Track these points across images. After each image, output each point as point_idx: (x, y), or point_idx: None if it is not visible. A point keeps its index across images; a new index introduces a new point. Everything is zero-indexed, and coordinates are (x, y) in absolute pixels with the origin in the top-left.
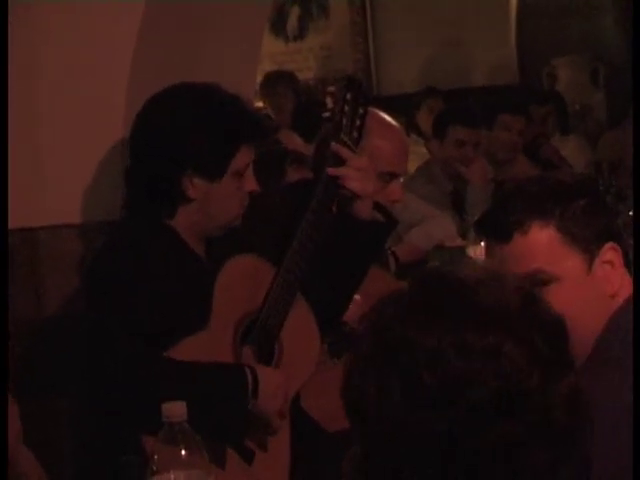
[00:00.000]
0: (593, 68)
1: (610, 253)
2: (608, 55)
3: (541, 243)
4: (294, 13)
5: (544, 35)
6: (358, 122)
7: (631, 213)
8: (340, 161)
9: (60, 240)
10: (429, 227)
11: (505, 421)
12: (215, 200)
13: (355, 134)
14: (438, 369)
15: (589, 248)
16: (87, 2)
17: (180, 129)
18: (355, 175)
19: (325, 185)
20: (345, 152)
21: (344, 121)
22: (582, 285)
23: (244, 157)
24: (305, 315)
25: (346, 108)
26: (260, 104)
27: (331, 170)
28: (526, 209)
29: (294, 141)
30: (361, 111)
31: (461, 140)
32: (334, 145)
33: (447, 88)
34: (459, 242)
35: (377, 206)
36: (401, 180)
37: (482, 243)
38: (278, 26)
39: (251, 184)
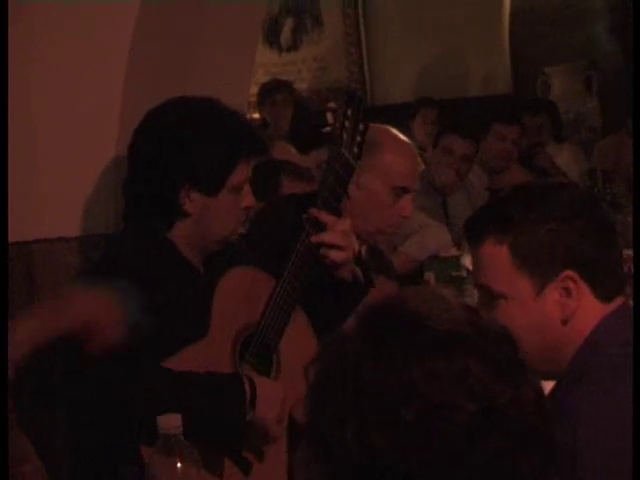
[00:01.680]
0: (587, 76)
1: (567, 281)
2: (602, 63)
3: (492, 260)
4: (288, 24)
5: (537, 44)
6: (359, 138)
7: (629, 219)
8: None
9: (55, 253)
10: (424, 237)
11: (488, 438)
12: (212, 215)
13: (356, 150)
14: (414, 402)
15: (542, 273)
16: (78, 18)
17: (178, 143)
18: (338, 240)
19: (306, 246)
20: (325, 217)
21: (344, 137)
22: (529, 307)
23: (242, 172)
24: (304, 327)
25: (347, 124)
26: (256, 115)
27: (314, 238)
28: (486, 223)
29: (289, 152)
30: (361, 127)
31: (450, 148)
32: (314, 211)
33: (441, 98)
34: (454, 252)
35: (356, 261)
36: (411, 196)
37: None
38: (272, 37)
39: (249, 200)
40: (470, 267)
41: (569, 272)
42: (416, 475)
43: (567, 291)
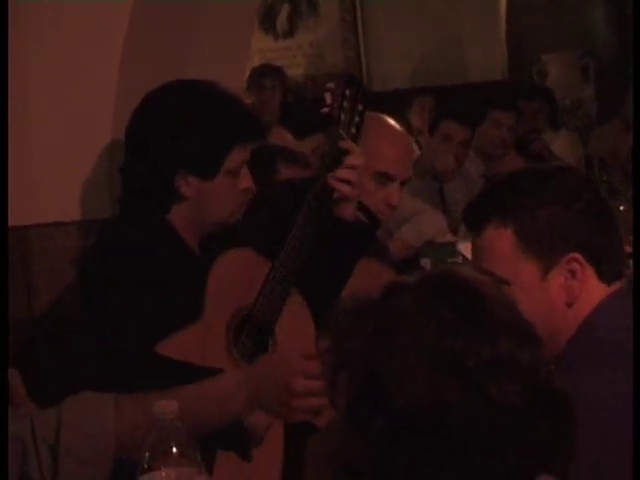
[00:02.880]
0: (583, 63)
1: (572, 264)
2: (598, 50)
3: (496, 245)
4: (284, 10)
5: (534, 31)
6: (357, 119)
7: (622, 208)
8: (337, 159)
9: (51, 238)
10: (420, 223)
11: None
12: (209, 198)
13: (353, 130)
14: (496, 376)
15: (547, 256)
16: (75, 2)
17: (174, 127)
18: (349, 177)
19: (321, 183)
20: (350, 145)
21: (342, 117)
22: (534, 292)
23: (238, 156)
24: (300, 310)
25: (345, 104)
26: (247, 101)
27: (329, 175)
28: (489, 208)
29: (285, 138)
30: (360, 108)
31: (448, 135)
32: (342, 142)
33: (437, 85)
34: (450, 238)
35: (361, 207)
36: (397, 184)
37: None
38: (268, 23)
39: (247, 182)
40: (466, 254)
41: (574, 254)
42: (478, 441)
43: (572, 273)
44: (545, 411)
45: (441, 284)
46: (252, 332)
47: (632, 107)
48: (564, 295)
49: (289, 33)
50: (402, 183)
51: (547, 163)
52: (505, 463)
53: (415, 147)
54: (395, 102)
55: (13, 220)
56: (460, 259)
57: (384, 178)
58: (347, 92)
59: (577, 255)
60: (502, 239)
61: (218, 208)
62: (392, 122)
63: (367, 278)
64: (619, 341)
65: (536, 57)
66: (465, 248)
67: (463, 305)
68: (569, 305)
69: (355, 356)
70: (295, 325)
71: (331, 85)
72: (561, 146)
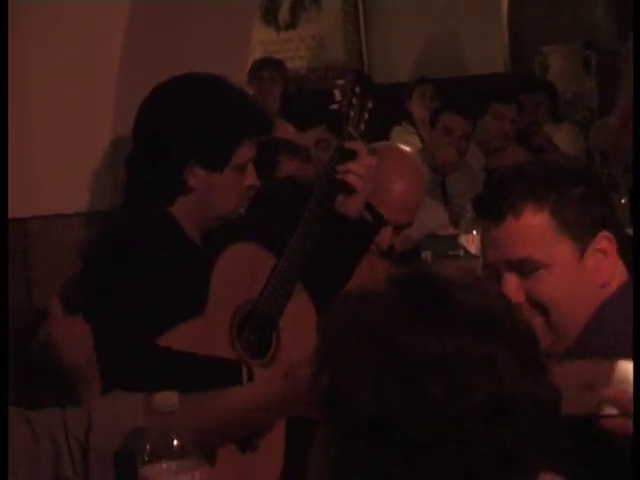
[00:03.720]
0: (585, 56)
1: (604, 242)
2: (600, 43)
3: (533, 228)
4: (286, 2)
5: (536, 23)
6: (366, 115)
7: (623, 201)
8: (347, 155)
9: (51, 230)
10: (421, 216)
11: (503, 426)
12: (215, 191)
13: (362, 127)
14: (443, 376)
15: (582, 236)
16: (75, 1)
17: (185, 119)
18: (361, 171)
19: (330, 178)
20: (359, 146)
21: (351, 114)
22: (571, 273)
23: (247, 151)
24: (305, 306)
25: (354, 101)
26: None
27: (341, 167)
28: (521, 192)
29: (286, 130)
30: (370, 104)
31: (449, 127)
32: (350, 142)
33: (439, 77)
34: (451, 231)
35: (366, 205)
36: (390, 229)
37: (474, 232)
38: (270, 15)
39: (252, 179)
40: (468, 246)
41: (605, 232)
42: (425, 444)
43: (604, 253)
44: (500, 418)
45: (408, 280)
46: (256, 327)
47: (632, 102)
48: (598, 276)
49: (291, 25)
50: (400, 228)
51: (549, 155)
52: (456, 468)
53: (417, 140)
54: (396, 93)
55: (14, 212)
56: (462, 252)
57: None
58: (357, 89)
59: (608, 233)
60: (539, 221)
61: (223, 202)
62: (410, 156)
63: (365, 271)
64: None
65: (537, 50)
66: (467, 241)
67: (424, 301)
68: (603, 286)
69: (325, 358)
70: (299, 321)
71: (341, 82)
72: (562, 139)
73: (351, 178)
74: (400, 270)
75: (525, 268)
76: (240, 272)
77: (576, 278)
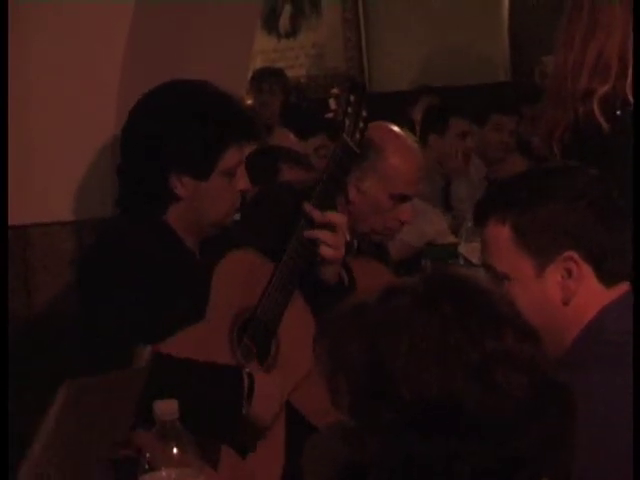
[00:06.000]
0: None
1: (568, 262)
2: None
3: (496, 240)
4: (286, 10)
5: (536, 32)
6: (361, 124)
7: None
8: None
9: (51, 237)
10: (421, 224)
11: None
12: (204, 199)
13: (358, 136)
14: (504, 368)
15: (543, 253)
16: (75, 1)
17: (167, 127)
18: (330, 239)
19: (300, 241)
20: (318, 215)
21: (347, 123)
22: (531, 287)
23: (233, 157)
24: (303, 312)
25: (349, 110)
26: (249, 102)
27: (306, 233)
28: (489, 204)
29: (288, 138)
30: (364, 113)
31: (463, 132)
32: (307, 206)
33: (439, 85)
34: (451, 239)
35: (363, 235)
36: (410, 202)
37: (476, 243)
38: (270, 23)
39: (243, 183)
40: (468, 256)
41: (570, 252)
42: (488, 425)
43: (569, 272)
44: (548, 402)
45: (440, 282)
46: (255, 333)
47: (633, 104)
48: (560, 293)
49: (291, 33)
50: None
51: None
52: (514, 450)
53: (422, 164)
54: (397, 102)
55: (14, 219)
56: (461, 261)
57: (400, 198)
58: (351, 98)
59: (573, 254)
60: (501, 234)
61: (213, 208)
62: (405, 135)
63: (367, 279)
64: (627, 343)
65: (538, 59)
66: (467, 250)
67: (463, 301)
68: (565, 303)
69: (354, 358)
70: (298, 327)
71: (335, 91)
72: None
73: (321, 249)
74: (427, 274)
75: (497, 276)
76: (240, 278)
77: (535, 292)
